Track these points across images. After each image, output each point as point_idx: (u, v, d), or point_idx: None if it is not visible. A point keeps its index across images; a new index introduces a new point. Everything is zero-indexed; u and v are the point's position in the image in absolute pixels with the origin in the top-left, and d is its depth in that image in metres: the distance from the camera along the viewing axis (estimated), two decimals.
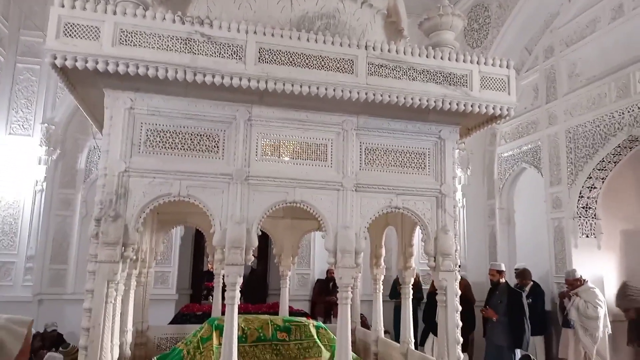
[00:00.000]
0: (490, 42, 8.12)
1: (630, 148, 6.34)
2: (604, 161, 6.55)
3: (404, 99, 2.50)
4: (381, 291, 3.69)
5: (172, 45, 2.25)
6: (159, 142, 2.39)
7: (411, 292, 3.38)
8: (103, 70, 2.18)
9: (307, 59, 2.41)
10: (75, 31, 2.16)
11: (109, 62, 2.17)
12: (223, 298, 2.55)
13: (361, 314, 4.41)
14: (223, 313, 2.70)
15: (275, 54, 2.37)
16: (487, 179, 8.89)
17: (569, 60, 7.20)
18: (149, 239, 3.73)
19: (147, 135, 2.38)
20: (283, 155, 2.55)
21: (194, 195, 2.38)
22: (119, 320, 2.48)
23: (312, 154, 2.58)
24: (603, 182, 6.75)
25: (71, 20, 2.15)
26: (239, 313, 2.50)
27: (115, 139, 2.32)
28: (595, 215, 6.91)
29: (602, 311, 6.02)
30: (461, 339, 2.66)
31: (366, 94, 2.45)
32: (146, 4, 2.37)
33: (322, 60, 2.43)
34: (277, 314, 4.21)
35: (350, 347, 2.50)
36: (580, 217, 6.88)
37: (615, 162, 6.56)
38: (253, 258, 2.52)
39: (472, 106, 2.61)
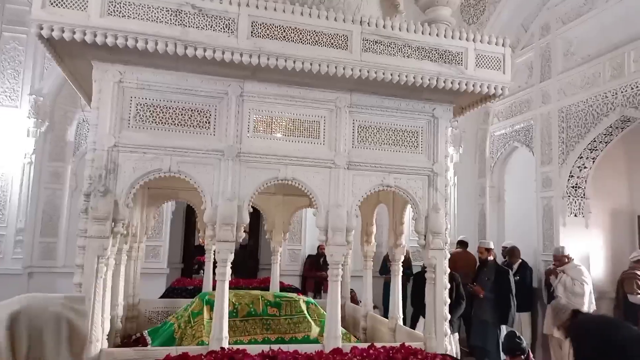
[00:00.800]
0: (486, 18, 8.01)
1: (622, 129, 6.36)
2: (595, 141, 6.58)
3: (398, 76, 2.48)
4: (371, 268, 3.73)
5: (162, 17, 2.20)
6: (149, 116, 2.36)
7: (401, 269, 3.42)
8: (91, 42, 2.13)
9: (300, 34, 2.36)
10: (62, 0, 2.10)
11: (97, 34, 2.12)
12: (214, 273, 2.56)
13: (351, 289, 4.46)
14: (214, 288, 2.71)
15: (268, 28, 2.33)
16: (479, 158, 8.92)
17: (565, 38, 7.13)
18: (140, 213, 3.72)
19: (137, 110, 2.35)
20: (275, 132, 2.53)
21: (184, 171, 2.36)
22: (109, 294, 2.49)
23: (305, 131, 2.56)
24: (594, 162, 6.79)
25: None
26: (230, 288, 2.51)
27: (105, 113, 2.29)
28: (584, 195, 6.97)
29: (588, 288, 6.13)
30: (449, 316, 2.70)
31: (360, 70, 2.42)
32: None
33: (316, 35, 2.39)
34: (268, 289, 4.25)
35: (340, 323, 2.53)
36: (569, 196, 6.94)
37: (606, 143, 6.58)
38: (244, 235, 2.52)
39: (466, 85, 2.60)
